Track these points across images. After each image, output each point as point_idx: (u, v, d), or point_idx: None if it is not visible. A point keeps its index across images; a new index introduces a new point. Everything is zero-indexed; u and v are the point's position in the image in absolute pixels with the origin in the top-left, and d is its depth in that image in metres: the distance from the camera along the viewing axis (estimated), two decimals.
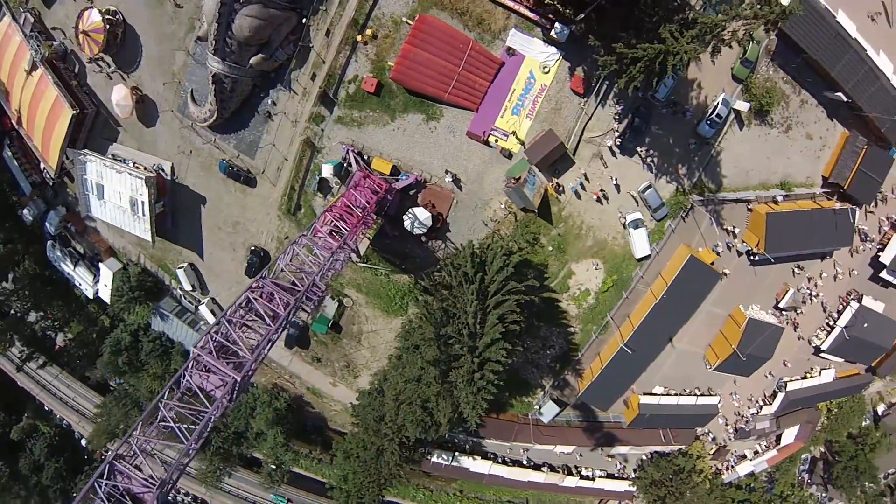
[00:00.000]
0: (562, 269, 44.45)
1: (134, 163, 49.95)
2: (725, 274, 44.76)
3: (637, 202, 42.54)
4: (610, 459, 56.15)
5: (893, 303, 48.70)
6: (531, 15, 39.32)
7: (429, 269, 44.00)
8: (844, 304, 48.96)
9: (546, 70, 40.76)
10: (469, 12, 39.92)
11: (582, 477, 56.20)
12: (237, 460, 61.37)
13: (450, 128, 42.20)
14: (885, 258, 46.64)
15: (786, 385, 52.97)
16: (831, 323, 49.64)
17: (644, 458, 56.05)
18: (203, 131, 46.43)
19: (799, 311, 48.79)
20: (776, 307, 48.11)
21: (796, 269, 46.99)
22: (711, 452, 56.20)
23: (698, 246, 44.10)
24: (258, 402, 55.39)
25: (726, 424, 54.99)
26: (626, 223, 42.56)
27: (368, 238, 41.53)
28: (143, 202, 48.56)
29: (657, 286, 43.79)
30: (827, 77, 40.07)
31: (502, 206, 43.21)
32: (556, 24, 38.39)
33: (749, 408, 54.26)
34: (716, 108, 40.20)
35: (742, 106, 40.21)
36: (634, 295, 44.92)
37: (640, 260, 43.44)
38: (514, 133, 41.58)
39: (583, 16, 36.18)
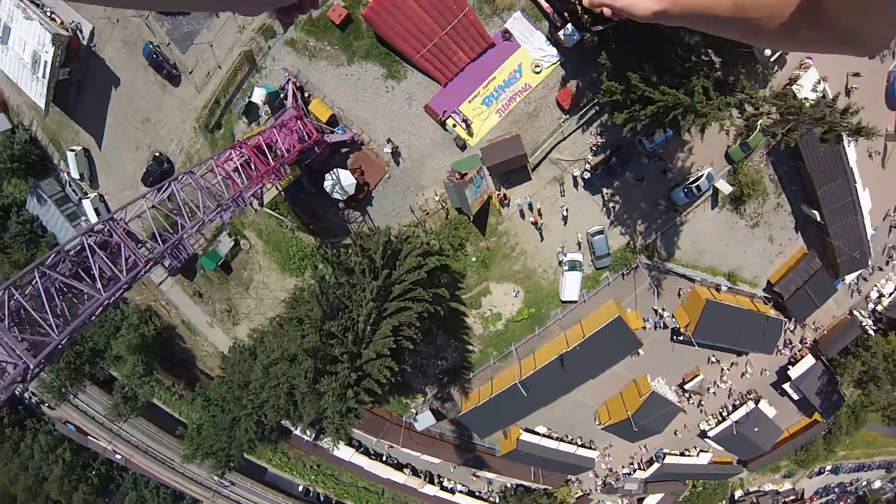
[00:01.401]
0: (479, 285, 40.62)
1: (52, 12, 41.30)
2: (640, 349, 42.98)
3: (581, 244, 38.98)
4: (474, 479, 54.70)
5: (784, 412, 49.74)
6: (545, 4, 33.73)
7: (337, 239, 39.15)
8: (742, 401, 48.84)
9: (537, 70, 35.60)
10: None
11: (442, 488, 54.60)
12: (89, 378, 55.50)
13: (409, 94, 36.55)
14: (793, 374, 46.82)
15: (664, 457, 53.16)
16: (724, 414, 49.51)
17: (509, 486, 54.96)
18: None
19: (701, 397, 48.00)
20: (681, 386, 47.05)
21: (712, 358, 45.66)
22: (575, 499, 55.96)
23: (628, 307, 41.45)
24: (126, 322, 49.44)
25: (596, 477, 54.58)
26: (564, 261, 39.02)
27: (278, 188, 35.88)
28: (45, 62, 40.21)
29: (573, 334, 40.93)
30: (811, 193, 38.57)
31: (437, 199, 38.38)
32: (568, 26, 33.03)
33: (623, 467, 54.01)
34: (698, 179, 37.07)
35: (724, 187, 37.36)
36: (547, 334, 41.95)
37: (564, 302, 40.22)
38: (468, 124, 36.49)
39: (601, 28, 31.14)
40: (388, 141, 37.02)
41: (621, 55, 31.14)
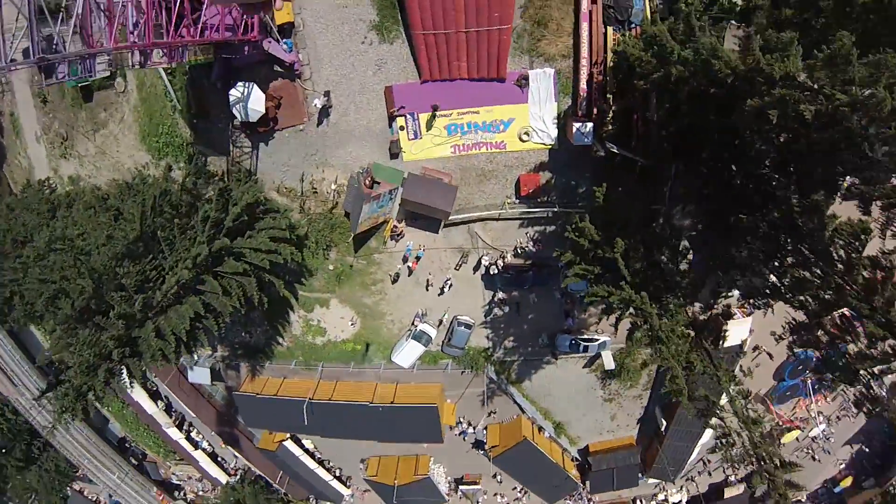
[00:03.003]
0: (322, 293, 35.37)
1: None
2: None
3: (442, 322, 35.18)
4: (223, 447, 50.36)
5: None
6: (584, 86, 28.53)
7: (210, 153, 32.27)
8: None
9: (524, 138, 30.75)
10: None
11: (188, 437, 49.71)
12: None
13: (380, 62, 30.01)
14: None
15: None
16: None
17: (254, 471, 51.24)
18: None
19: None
20: (457, 483, 45.40)
21: (499, 476, 44.38)
22: None
23: (450, 398, 38.68)
24: None
25: None
26: (415, 328, 35.02)
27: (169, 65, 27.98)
28: None
29: (384, 391, 37.29)
30: (671, 406, 38.74)
31: (334, 187, 32.30)
32: (588, 124, 27.94)
33: None
34: (592, 340, 34.73)
35: (608, 361, 35.49)
36: (358, 374, 37.99)
37: (391, 360, 36.37)
38: (416, 135, 31.11)
39: (615, 151, 26.87)
40: (326, 94, 30.34)
41: (620, 203, 27.18)
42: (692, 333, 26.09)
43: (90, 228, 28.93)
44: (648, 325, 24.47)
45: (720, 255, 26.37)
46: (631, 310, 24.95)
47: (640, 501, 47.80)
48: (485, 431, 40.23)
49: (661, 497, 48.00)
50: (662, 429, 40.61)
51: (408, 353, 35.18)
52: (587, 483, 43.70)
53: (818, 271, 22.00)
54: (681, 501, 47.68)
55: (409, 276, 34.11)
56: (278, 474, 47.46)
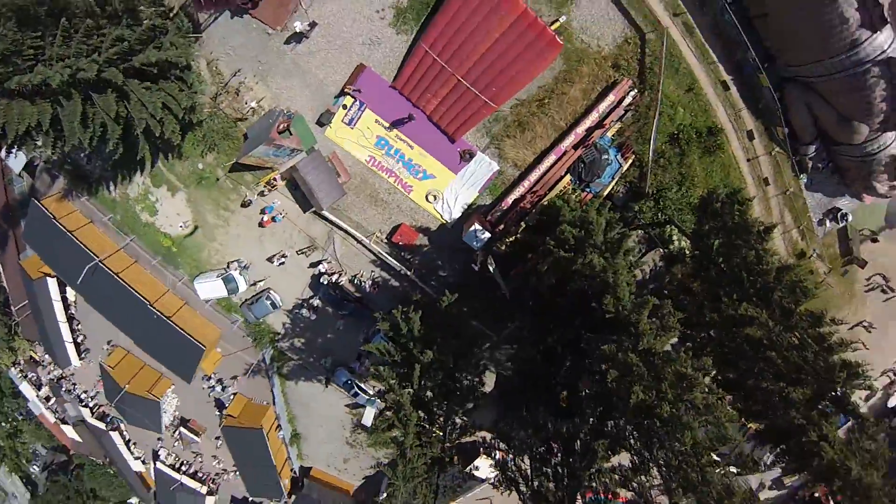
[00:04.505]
0: (177, 181, 33.25)
1: None
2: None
3: (254, 288, 34.25)
4: None
5: None
6: (512, 198, 28.85)
7: None
8: None
9: (430, 200, 30.76)
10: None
11: None
12: None
13: (376, 40, 28.56)
14: None
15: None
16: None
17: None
18: None
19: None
20: (181, 423, 43.86)
21: (220, 442, 43.52)
22: None
23: (220, 349, 37.73)
24: None
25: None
26: (229, 270, 33.78)
27: None
28: None
29: (168, 301, 35.57)
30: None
31: (256, 102, 30.22)
32: (486, 234, 28.68)
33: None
34: (364, 391, 35.56)
35: (367, 416, 34.56)
36: (158, 271, 35.97)
37: (192, 282, 34.80)
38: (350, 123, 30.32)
39: (489, 269, 27.18)
40: (311, 24, 28.39)
41: (458, 317, 27.63)
42: (436, 467, 27.21)
43: None
44: (401, 436, 25.29)
45: (511, 406, 28.04)
46: (394, 415, 25.50)
47: None
48: (231, 398, 39.40)
49: None
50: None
51: (210, 288, 33.78)
52: (293, 497, 44.01)
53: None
54: None
55: (257, 225, 32.82)
56: (23, 301, 43.53)
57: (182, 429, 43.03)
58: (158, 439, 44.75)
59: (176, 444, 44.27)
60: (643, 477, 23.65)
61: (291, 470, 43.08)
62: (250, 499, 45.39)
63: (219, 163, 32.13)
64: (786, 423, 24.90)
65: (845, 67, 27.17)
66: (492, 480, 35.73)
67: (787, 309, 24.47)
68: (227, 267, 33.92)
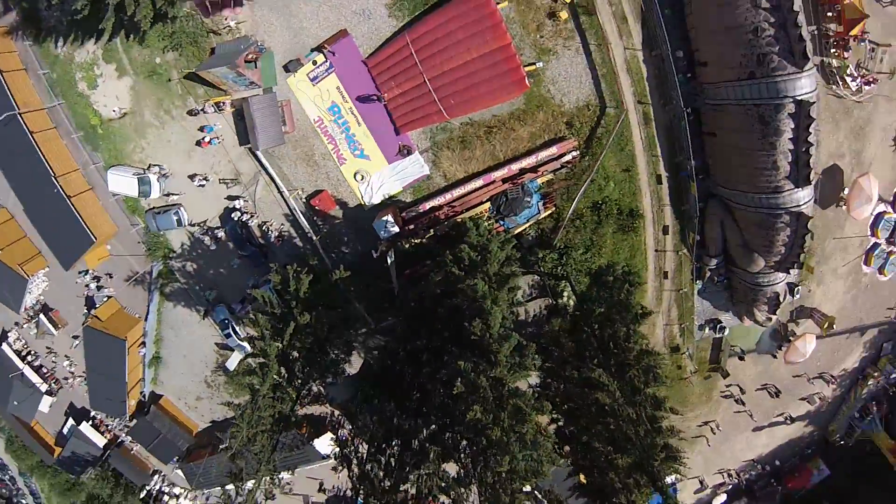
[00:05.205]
0: (129, 65, 32.03)
1: None
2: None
3: (168, 195, 33.42)
4: None
5: None
6: (431, 204, 29.95)
7: None
8: None
9: (356, 177, 31.37)
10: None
11: None
12: None
13: (368, 12, 29.25)
14: None
15: None
16: None
17: None
18: None
19: None
20: (42, 310, 41.36)
21: (77, 343, 41.43)
22: None
23: (110, 245, 36.30)
24: None
25: None
26: (147, 174, 32.87)
27: None
28: None
29: (74, 179, 33.80)
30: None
31: (232, 23, 29.87)
32: (395, 227, 29.69)
33: None
34: (239, 336, 35.32)
35: (233, 361, 36.59)
36: (74, 147, 34.24)
37: (107, 170, 33.73)
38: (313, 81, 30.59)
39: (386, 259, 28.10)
40: None
41: (340, 297, 28.33)
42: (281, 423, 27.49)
43: None
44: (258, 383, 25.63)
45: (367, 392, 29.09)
46: (257, 363, 25.72)
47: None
48: (104, 299, 37.87)
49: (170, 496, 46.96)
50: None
51: (123, 183, 32.69)
52: (134, 421, 42.44)
53: None
54: None
55: (194, 143, 32.31)
56: None
57: (42, 316, 40.40)
58: (16, 324, 42.01)
59: (30, 330, 41.74)
60: (463, 490, 24.88)
61: (141, 393, 41.62)
62: (91, 412, 43.52)
63: (177, 65, 31.48)
64: (605, 483, 27.17)
65: (763, 206, 30.14)
66: (328, 454, 36.54)
67: (637, 387, 26.66)
68: (147, 169, 33.00)
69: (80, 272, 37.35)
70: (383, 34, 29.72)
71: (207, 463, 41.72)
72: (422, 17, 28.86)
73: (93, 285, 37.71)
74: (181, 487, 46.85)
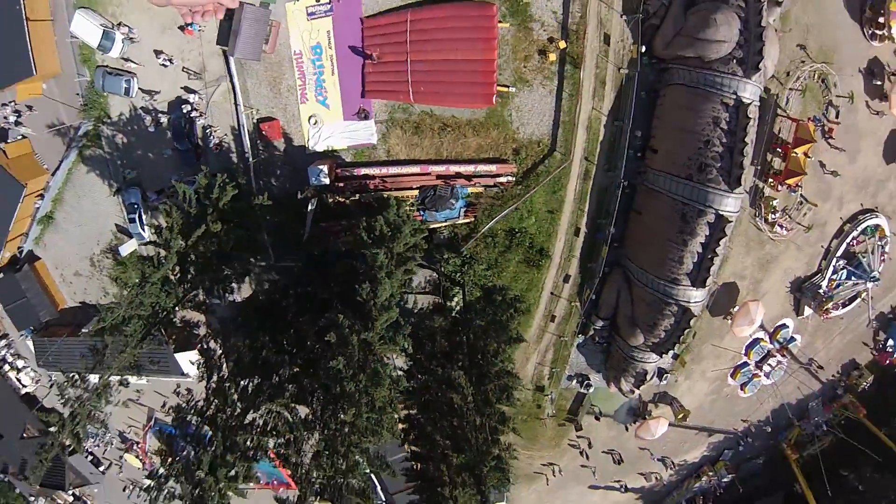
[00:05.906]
0: None
1: None
2: None
3: (126, 60, 32.51)
4: None
5: None
6: (366, 171, 31.08)
7: None
8: None
9: (310, 120, 32.27)
10: None
11: None
12: None
13: None
14: None
15: None
16: None
17: None
18: None
19: None
20: None
21: None
22: None
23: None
24: None
25: None
26: (116, 31, 31.90)
27: None
28: None
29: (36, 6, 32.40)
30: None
31: None
32: (328, 178, 30.89)
33: None
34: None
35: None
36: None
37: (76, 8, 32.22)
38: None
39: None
40: None
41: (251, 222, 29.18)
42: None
43: None
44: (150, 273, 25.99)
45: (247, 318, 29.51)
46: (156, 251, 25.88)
47: None
48: (19, 138, 35.92)
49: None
50: None
51: (86, 27, 31.41)
52: (2, 274, 39.76)
53: None
54: None
55: (177, 27, 31.87)
56: None
57: None
58: None
59: None
60: (306, 433, 25.85)
61: (19, 248, 39.38)
62: None
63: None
64: (436, 474, 28.98)
65: (659, 290, 33.18)
66: (187, 372, 36.28)
67: (489, 399, 28.77)
68: (117, 26, 32.11)
69: (4, 103, 35.40)
70: (389, 2, 30.99)
71: (63, 343, 40.04)
72: (429, 3, 30.45)
73: (12, 118, 35.65)
74: (24, 360, 44.56)
